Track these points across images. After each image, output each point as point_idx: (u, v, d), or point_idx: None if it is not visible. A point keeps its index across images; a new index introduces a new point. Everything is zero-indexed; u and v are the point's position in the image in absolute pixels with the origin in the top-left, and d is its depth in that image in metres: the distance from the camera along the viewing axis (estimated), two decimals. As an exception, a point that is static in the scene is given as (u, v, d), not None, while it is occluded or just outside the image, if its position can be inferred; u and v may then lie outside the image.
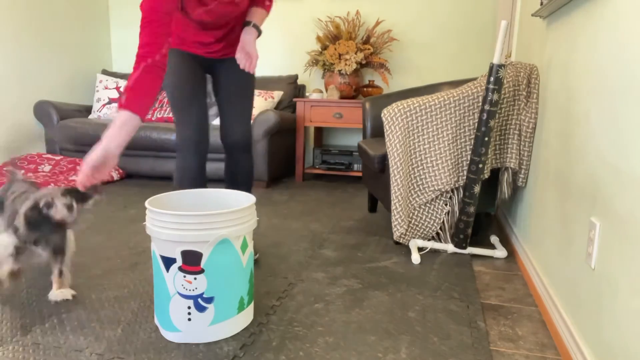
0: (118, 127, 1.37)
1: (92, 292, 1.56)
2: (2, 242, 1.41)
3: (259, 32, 1.82)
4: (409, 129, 1.95)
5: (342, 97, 3.60)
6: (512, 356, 1.24)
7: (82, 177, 1.35)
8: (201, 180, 1.93)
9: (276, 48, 4.08)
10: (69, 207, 1.43)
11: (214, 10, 1.72)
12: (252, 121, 3.37)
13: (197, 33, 1.82)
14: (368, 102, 2.67)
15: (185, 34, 1.84)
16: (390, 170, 1.96)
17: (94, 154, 1.34)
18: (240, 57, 1.78)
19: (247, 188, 2.00)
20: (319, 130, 3.90)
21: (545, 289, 1.49)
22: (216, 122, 3.49)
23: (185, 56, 1.86)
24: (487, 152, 1.84)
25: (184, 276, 1.22)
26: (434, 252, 2.03)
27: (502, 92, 1.81)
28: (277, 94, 3.73)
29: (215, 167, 3.37)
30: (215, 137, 3.16)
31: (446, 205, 2.02)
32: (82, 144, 3.53)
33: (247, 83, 1.97)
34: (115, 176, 3.43)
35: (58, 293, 1.51)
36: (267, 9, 1.85)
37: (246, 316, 1.35)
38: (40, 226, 1.41)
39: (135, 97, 1.41)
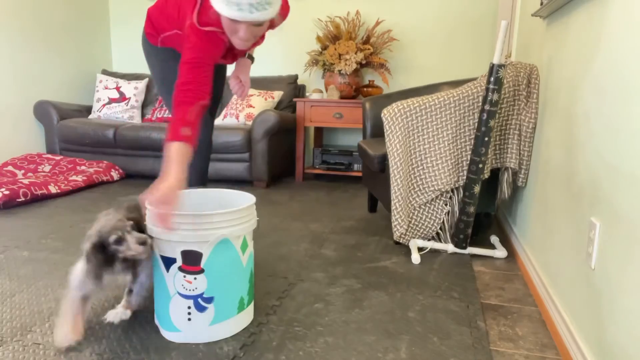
0: (181, 162, 1.36)
1: (92, 292, 1.56)
2: (76, 270, 1.25)
3: (252, 61, 1.93)
4: (409, 129, 1.95)
5: (342, 97, 3.60)
6: (512, 356, 1.24)
7: (159, 220, 1.21)
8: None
9: (276, 48, 4.08)
10: (143, 243, 1.20)
11: (237, 54, 1.81)
12: (252, 121, 3.38)
13: None
14: (368, 102, 2.67)
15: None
16: (390, 170, 1.96)
17: (160, 193, 1.26)
18: (234, 85, 1.87)
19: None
20: (319, 130, 3.90)
21: (545, 289, 1.49)
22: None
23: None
24: (487, 152, 1.84)
25: (184, 276, 1.22)
26: (434, 252, 2.03)
27: (502, 92, 1.81)
28: (277, 94, 3.73)
29: (216, 167, 3.37)
30: (214, 137, 3.16)
31: (446, 205, 2.02)
32: (82, 144, 3.53)
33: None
34: (116, 176, 3.43)
35: (118, 312, 1.36)
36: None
37: (246, 316, 1.35)
38: (110, 262, 1.23)
39: (196, 134, 1.46)
